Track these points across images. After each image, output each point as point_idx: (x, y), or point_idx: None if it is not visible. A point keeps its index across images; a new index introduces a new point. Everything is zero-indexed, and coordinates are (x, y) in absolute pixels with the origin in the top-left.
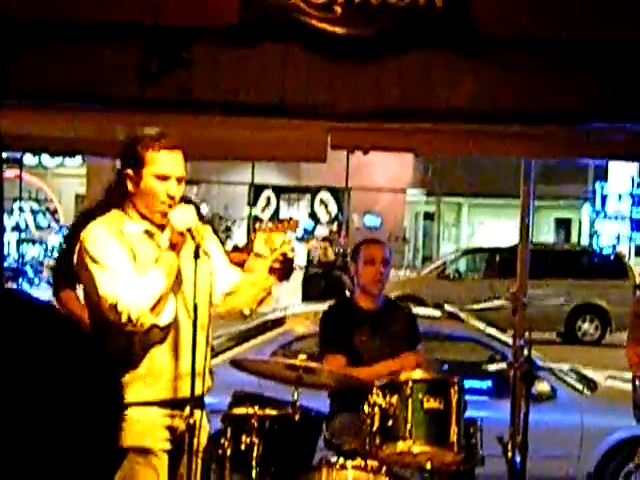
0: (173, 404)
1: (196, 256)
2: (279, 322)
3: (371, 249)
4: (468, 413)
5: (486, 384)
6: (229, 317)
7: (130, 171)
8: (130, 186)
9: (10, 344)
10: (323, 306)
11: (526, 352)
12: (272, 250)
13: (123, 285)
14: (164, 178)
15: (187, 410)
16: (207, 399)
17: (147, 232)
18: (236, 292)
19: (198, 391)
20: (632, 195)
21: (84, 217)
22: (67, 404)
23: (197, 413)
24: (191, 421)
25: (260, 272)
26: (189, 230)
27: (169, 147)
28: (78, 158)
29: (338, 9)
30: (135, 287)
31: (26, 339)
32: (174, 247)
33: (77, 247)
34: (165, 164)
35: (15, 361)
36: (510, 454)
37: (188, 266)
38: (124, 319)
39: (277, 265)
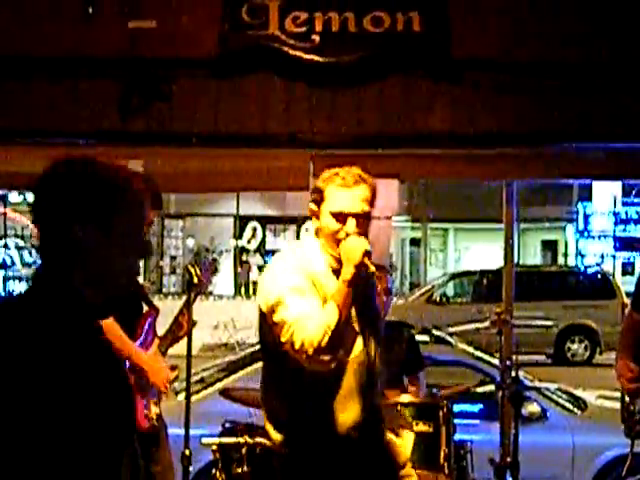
0: None
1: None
2: None
3: None
4: (459, 436)
5: (477, 407)
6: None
7: (313, 206)
8: (315, 222)
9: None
10: None
11: (514, 373)
12: None
13: (302, 317)
14: (340, 216)
15: None
16: (198, 430)
17: (331, 267)
18: None
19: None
20: (614, 214)
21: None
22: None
23: None
24: None
25: None
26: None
27: (349, 183)
28: None
29: (316, 38)
30: (313, 320)
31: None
32: (350, 282)
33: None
34: (341, 201)
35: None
36: (501, 476)
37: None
38: (301, 352)
39: None
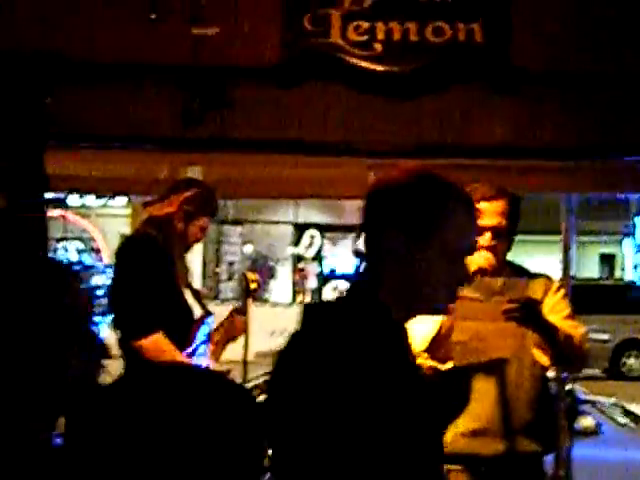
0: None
1: None
2: None
3: None
4: None
5: None
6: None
7: None
8: None
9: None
10: None
11: (568, 387)
12: None
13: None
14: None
15: None
16: None
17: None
18: None
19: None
20: None
21: None
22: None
23: None
24: None
25: None
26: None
27: (488, 195)
28: (121, 198)
29: (378, 46)
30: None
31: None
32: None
33: None
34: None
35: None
36: None
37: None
38: None
39: None
